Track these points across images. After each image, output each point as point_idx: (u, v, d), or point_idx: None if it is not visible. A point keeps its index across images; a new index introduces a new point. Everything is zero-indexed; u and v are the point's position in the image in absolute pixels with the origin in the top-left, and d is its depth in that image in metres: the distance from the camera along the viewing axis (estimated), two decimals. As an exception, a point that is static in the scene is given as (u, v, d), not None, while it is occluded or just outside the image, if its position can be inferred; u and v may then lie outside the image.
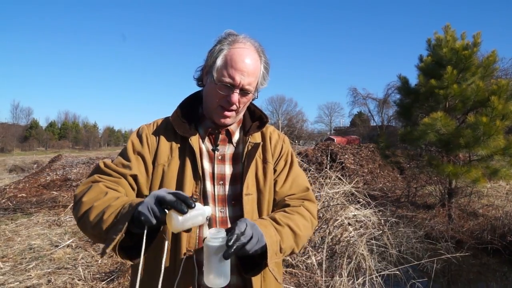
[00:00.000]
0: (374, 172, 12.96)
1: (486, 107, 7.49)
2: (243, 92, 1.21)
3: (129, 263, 1.04)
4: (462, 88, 7.72)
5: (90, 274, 4.33)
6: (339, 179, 4.83)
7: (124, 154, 1.25)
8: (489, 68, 8.24)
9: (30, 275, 4.42)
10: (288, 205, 1.27)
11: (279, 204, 1.27)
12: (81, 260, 4.92)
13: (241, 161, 1.27)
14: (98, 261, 4.86)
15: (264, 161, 1.30)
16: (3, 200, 9.60)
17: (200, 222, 0.99)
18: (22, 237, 6.21)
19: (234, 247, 0.97)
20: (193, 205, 0.94)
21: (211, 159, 1.27)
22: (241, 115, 1.32)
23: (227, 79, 1.18)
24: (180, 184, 1.19)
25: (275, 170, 1.31)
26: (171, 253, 1.17)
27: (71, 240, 5.79)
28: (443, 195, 8.50)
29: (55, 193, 10.27)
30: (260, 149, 1.30)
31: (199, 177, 1.21)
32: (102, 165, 1.22)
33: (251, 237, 1.01)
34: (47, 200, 9.63)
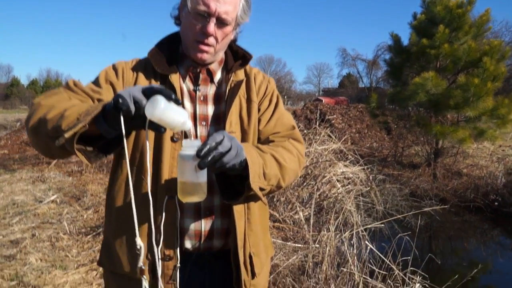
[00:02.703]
0: (361, 132, 13.02)
1: (477, 68, 7.43)
2: (220, 22, 1.10)
3: (85, 162, 0.93)
4: (454, 48, 7.61)
5: (75, 229, 4.29)
6: (329, 136, 4.77)
7: (95, 81, 1.14)
8: (481, 28, 8.11)
9: (14, 229, 4.36)
10: (273, 141, 1.19)
11: (263, 143, 1.19)
12: (66, 215, 4.87)
13: (224, 101, 1.18)
14: (83, 216, 4.82)
15: (248, 100, 1.20)
16: (-15, 157, 9.40)
17: (179, 124, 0.86)
18: (5, 192, 6.11)
19: (210, 156, 0.86)
20: (179, 102, 0.86)
21: (193, 100, 1.17)
22: (221, 53, 1.20)
23: (202, 7, 1.07)
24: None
25: (259, 109, 1.22)
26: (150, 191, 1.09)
27: (55, 196, 5.71)
28: (429, 155, 8.59)
29: (38, 149, 10.08)
30: (244, 88, 1.21)
31: None
32: (71, 83, 1.10)
33: (230, 149, 0.90)
34: (30, 157, 9.46)
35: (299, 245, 3.42)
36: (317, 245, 3.18)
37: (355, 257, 2.87)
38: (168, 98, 0.83)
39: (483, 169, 7.89)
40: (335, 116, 12.96)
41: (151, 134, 1.10)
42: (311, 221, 3.57)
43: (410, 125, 8.57)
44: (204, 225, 1.12)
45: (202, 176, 0.92)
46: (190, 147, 0.90)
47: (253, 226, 1.16)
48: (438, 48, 7.68)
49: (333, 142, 4.70)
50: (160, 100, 0.82)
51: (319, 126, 5.05)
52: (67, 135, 0.84)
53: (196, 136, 1.15)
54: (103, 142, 0.94)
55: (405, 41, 8.90)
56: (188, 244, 1.12)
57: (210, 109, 1.17)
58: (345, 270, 2.82)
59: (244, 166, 0.96)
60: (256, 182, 0.99)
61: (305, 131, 4.97)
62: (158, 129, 0.86)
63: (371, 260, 2.81)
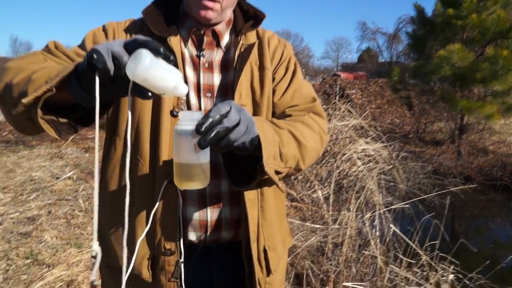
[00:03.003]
0: (382, 107, 12.66)
1: (507, 39, 7.04)
2: None
3: (53, 135, 0.75)
4: (482, 18, 7.18)
5: (90, 206, 4.26)
6: (349, 111, 4.56)
7: (81, 44, 0.98)
8: (512, -4, 7.62)
9: (31, 206, 4.36)
10: (290, 116, 1.01)
11: (279, 118, 1.01)
12: (82, 192, 4.85)
13: (232, 68, 1.01)
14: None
15: (261, 67, 1.02)
16: (5, 133, 9.50)
17: (170, 87, 0.67)
18: (24, 169, 6.14)
19: (214, 132, 0.69)
20: (171, 58, 0.67)
21: (196, 67, 1.00)
22: (229, 12, 1.01)
23: None
24: (156, 96, 0.95)
25: (273, 79, 1.04)
26: (147, 176, 0.94)
27: (72, 172, 5.71)
28: (453, 131, 8.28)
29: (56, 126, 10.15)
30: (256, 53, 1.03)
31: None
32: (51, 45, 0.94)
33: (238, 123, 0.73)
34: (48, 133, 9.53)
35: (318, 226, 3.29)
36: (337, 226, 3.05)
37: (377, 239, 2.73)
38: (156, 52, 0.65)
39: (511, 146, 7.57)
40: (354, 91, 12.61)
41: (144, 106, 0.94)
42: (331, 200, 3.42)
43: (433, 100, 8.23)
44: (211, 214, 0.98)
45: (204, 157, 0.75)
46: (188, 120, 0.72)
47: (267, 215, 1.01)
48: (465, 19, 7.26)
49: (354, 118, 4.48)
50: (144, 55, 0.63)
51: (338, 101, 4.83)
52: (25, 100, 0.68)
53: (199, 110, 0.98)
54: (83, 112, 0.77)
55: (429, 12, 8.49)
56: (192, 236, 0.98)
57: (216, 78, 1.00)
58: (366, 253, 2.68)
59: (256, 145, 0.79)
60: (271, 164, 0.82)
61: (324, 106, 4.76)
62: (143, 93, 0.67)
63: (395, 244, 2.66)
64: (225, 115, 0.72)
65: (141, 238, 0.90)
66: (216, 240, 1.00)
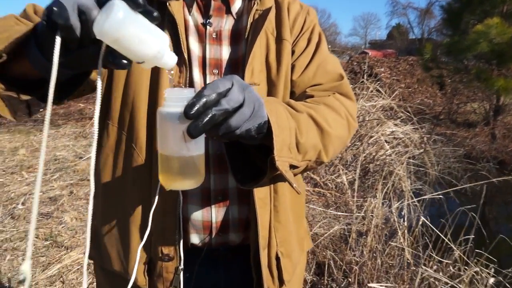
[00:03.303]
0: (411, 87, 12.16)
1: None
2: None
3: (7, 116, 0.61)
4: (525, -11, 6.66)
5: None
6: (378, 91, 4.31)
7: None
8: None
9: (53, 186, 4.38)
10: (311, 97, 0.85)
11: (298, 99, 0.84)
12: (104, 172, 4.86)
13: (244, 39, 0.84)
14: (120, 173, 4.78)
15: (279, 38, 0.85)
16: (33, 112, 9.70)
17: (150, 52, 0.50)
18: (49, 148, 6.22)
19: (208, 116, 0.54)
20: (154, 14, 0.50)
21: (201, 38, 0.84)
22: None
23: None
24: (153, 71, 0.80)
25: (293, 52, 0.87)
26: (143, 168, 0.81)
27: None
28: (488, 113, 7.84)
29: (81, 105, 10.24)
30: (272, 21, 0.86)
31: (183, 61, 0.80)
32: (30, 9, 0.79)
33: (241, 105, 0.57)
34: (74, 112, 9.65)
35: (342, 213, 3.14)
36: (362, 214, 2.89)
37: (405, 230, 2.56)
38: (134, 4, 0.48)
39: (551, 129, 7.12)
40: (383, 69, 12.15)
41: (141, 84, 0.80)
42: (356, 186, 3.26)
43: (467, 79, 7.79)
44: (216, 214, 0.84)
45: (196, 147, 0.59)
46: (176, 100, 0.56)
47: (282, 216, 0.87)
48: (506, -10, 6.76)
49: (383, 98, 4.24)
50: (117, 5, 0.46)
51: (366, 80, 4.57)
52: None
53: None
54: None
55: (467, -17, 7.91)
56: (195, 239, 0.85)
57: (225, 51, 0.84)
58: (393, 244, 2.52)
59: (265, 133, 0.63)
60: (284, 157, 0.66)
61: (351, 86, 4.51)
62: (115, 59, 0.50)
63: (424, 236, 2.48)
64: (224, 94, 0.56)
65: (142, 243, 0.78)
66: (222, 243, 0.87)
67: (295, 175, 0.75)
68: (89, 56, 0.51)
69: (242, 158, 0.72)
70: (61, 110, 9.93)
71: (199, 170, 0.61)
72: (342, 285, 2.47)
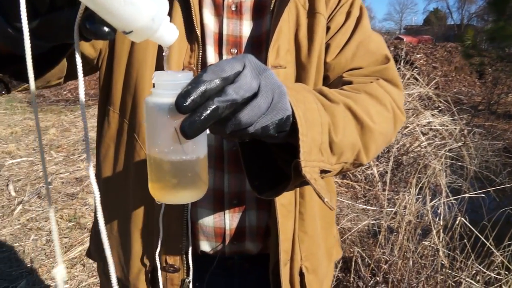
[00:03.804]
0: (449, 75, 11.60)
1: None
2: None
3: None
4: None
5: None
6: (415, 79, 4.05)
7: None
8: None
9: (80, 167, 4.42)
10: (349, 83, 0.69)
11: (333, 86, 0.69)
12: (130, 155, 4.86)
13: (268, 12, 0.70)
14: (145, 156, 4.78)
15: (311, 12, 0.71)
16: (65, 92, 9.86)
17: (139, 18, 0.37)
18: (78, 128, 6.31)
19: (210, 109, 0.40)
20: None
21: (218, 11, 0.71)
22: None
23: None
24: (161, 48, 0.68)
25: (328, 28, 0.72)
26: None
27: (122, 134, 5.77)
28: (532, 104, 7.37)
29: (112, 86, 10.39)
30: None
31: (195, 38, 0.67)
32: None
33: (255, 94, 0.43)
34: (104, 93, 9.79)
35: (371, 207, 2.98)
36: (393, 209, 2.72)
37: (441, 229, 2.38)
38: None
39: None
40: (418, 56, 11.63)
41: (145, 65, 0.68)
42: (387, 179, 3.08)
43: (511, 68, 7.32)
44: (230, 220, 0.72)
45: (196, 148, 0.45)
46: (167, 87, 0.43)
47: (308, 225, 0.74)
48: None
49: (420, 86, 3.98)
50: None
51: (403, 67, 4.30)
52: None
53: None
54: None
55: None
56: (205, 246, 0.75)
57: (245, 27, 0.71)
58: (426, 243, 2.35)
59: (288, 131, 0.49)
60: (314, 161, 0.51)
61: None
62: (93, 26, 0.37)
63: (462, 236, 2.30)
64: (232, 80, 0.42)
65: (157, 251, 0.69)
66: (237, 252, 0.76)
67: (324, 180, 0.62)
68: (63, 22, 0.39)
69: (260, 158, 0.58)
70: (92, 91, 10.07)
71: (201, 177, 0.46)
72: (370, 284, 2.33)
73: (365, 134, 0.61)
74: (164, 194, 0.46)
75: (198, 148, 0.45)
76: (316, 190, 0.52)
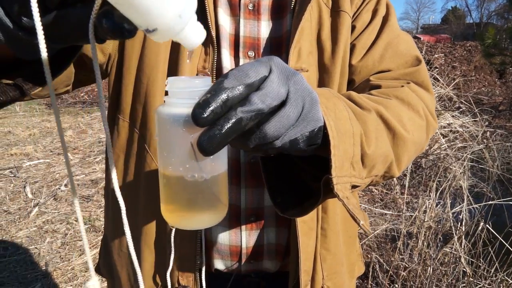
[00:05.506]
0: (468, 75, 11.34)
1: None
2: None
3: None
4: None
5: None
6: (435, 79, 3.94)
7: None
8: None
9: (95, 169, 4.44)
10: (378, 87, 0.65)
11: (360, 90, 0.65)
12: (144, 157, 4.87)
13: (289, 12, 0.66)
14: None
15: (334, 10, 0.66)
16: (82, 94, 9.99)
17: (164, 15, 0.30)
18: (94, 130, 6.36)
19: (232, 121, 0.35)
20: None
21: (234, 11, 0.66)
22: None
23: None
24: (174, 52, 0.64)
25: (353, 28, 0.67)
26: (157, 175, 0.67)
27: (137, 136, 5.79)
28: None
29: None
30: None
31: (210, 40, 0.63)
32: None
33: (283, 102, 0.38)
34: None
35: (389, 212, 2.90)
36: (412, 214, 2.64)
37: (463, 235, 2.29)
38: None
39: None
40: (436, 56, 11.41)
41: (156, 70, 0.64)
42: (406, 182, 2.99)
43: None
44: (247, 238, 0.68)
45: (215, 166, 0.40)
46: (182, 94, 0.38)
47: (331, 242, 0.69)
48: None
49: (440, 87, 3.87)
50: None
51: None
52: None
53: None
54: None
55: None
56: (219, 265, 0.70)
57: (264, 28, 0.67)
58: (447, 250, 2.26)
59: (319, 144, 0.43)
60: (345, 176, 0.46)
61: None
62: (112, 24, 0.31)
63: (485, 243, 2.21)
64: (257, 86, 0.37)
65: (169, 269, 0.66)
66: (254, 270, 0.72)
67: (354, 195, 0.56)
68: (75, 20, 0.33)
69: (283, 172, 0.53)
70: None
71: (219, 198, 0.41)
72: (388, 292, 2.27)
73: (398, 144, 0.56)
74: (178, 218, 0.42)
75: (217, 165, 0.40)
76: (350, 211, 0.46)
